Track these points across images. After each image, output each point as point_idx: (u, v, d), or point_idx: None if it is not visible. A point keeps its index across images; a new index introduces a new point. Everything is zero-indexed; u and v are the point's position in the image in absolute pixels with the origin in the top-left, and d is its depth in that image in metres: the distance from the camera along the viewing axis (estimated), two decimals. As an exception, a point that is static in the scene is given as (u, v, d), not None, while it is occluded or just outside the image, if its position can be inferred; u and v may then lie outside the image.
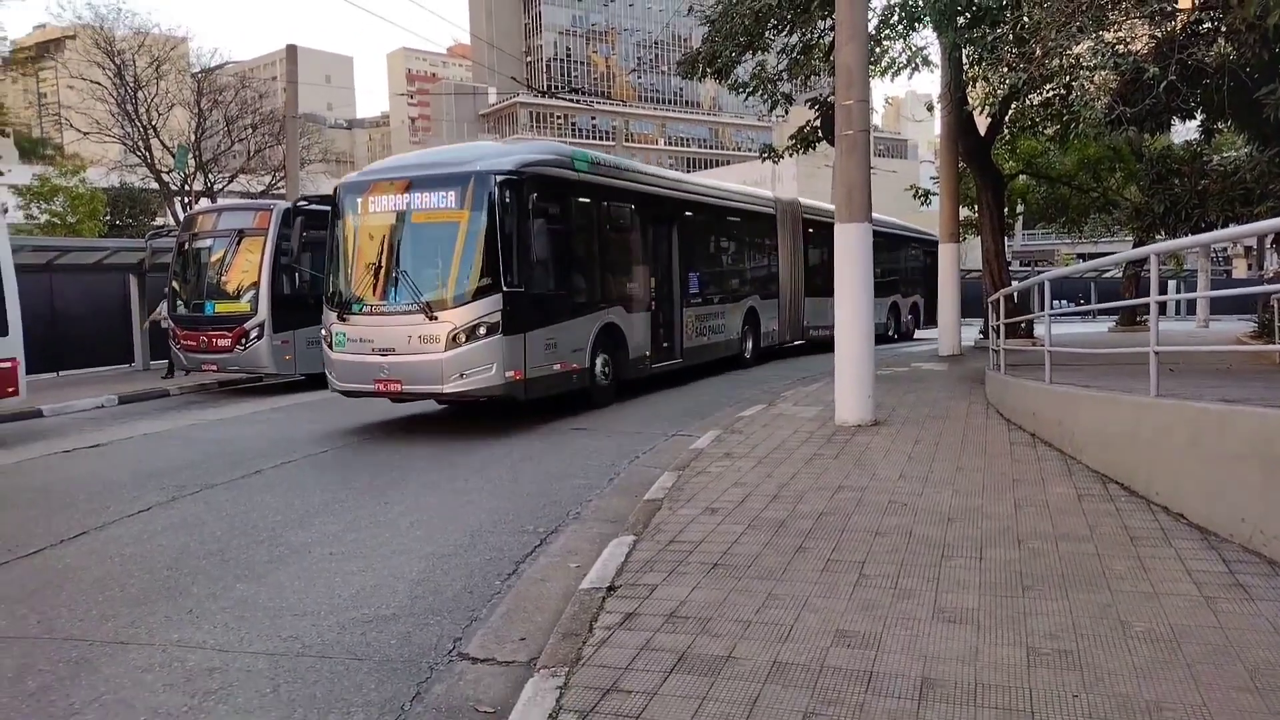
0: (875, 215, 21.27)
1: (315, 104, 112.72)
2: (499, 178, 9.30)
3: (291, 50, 21.09)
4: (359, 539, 5.73)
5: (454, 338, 9.17)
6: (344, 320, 9.80)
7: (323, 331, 10.21)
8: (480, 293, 9.23)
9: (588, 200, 11.23)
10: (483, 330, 9.19)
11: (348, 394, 10.09)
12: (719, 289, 15.14)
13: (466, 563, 5.19)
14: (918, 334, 24.54)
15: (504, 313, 9.25)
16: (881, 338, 20.94)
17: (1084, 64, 10.87)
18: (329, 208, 10.42)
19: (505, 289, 9.24)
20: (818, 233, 18.69)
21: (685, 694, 3.07)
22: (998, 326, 10.25)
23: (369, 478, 7.57)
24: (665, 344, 13.17)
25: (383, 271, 9.68)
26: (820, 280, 18.92)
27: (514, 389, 9.49)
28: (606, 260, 11.68)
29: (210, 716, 3.37)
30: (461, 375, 9.19)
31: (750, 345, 16.38)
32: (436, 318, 9.21)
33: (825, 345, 18.19)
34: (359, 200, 9.92)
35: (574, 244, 10.98)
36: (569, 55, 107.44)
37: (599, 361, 11.13)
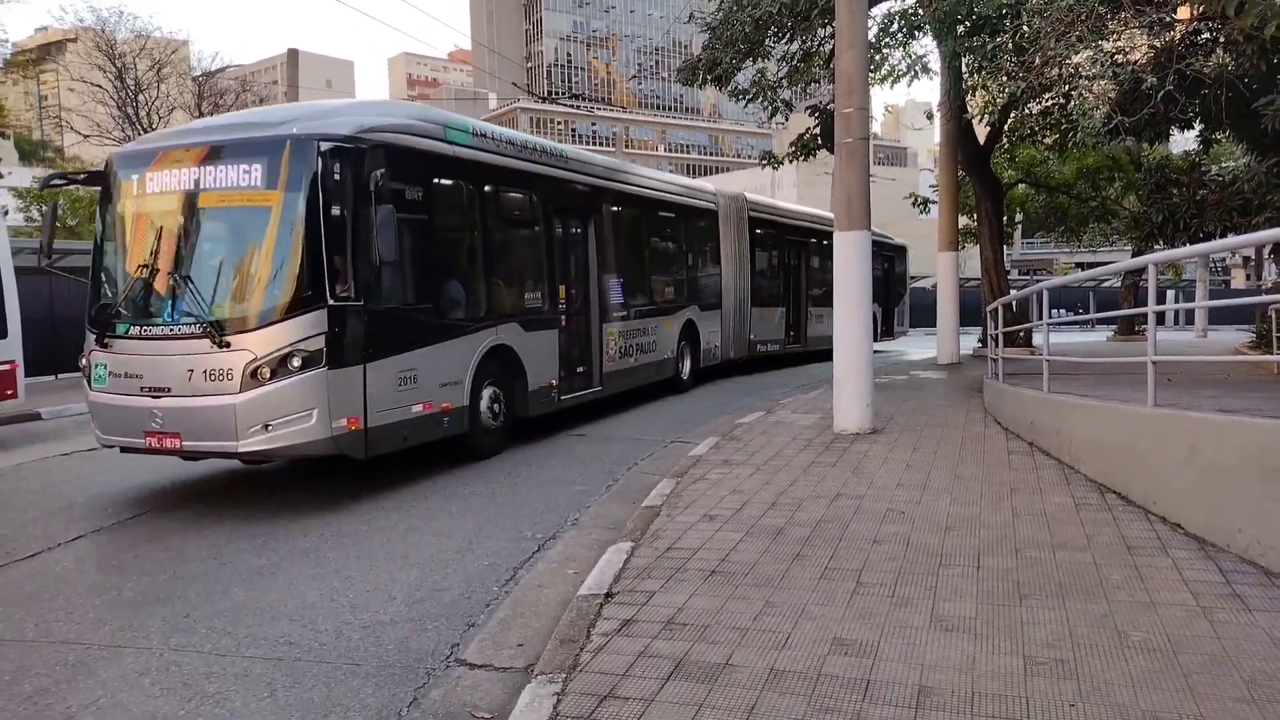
0: (823, 213, 17.92)
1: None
2: (326, 145, 6.55)
3: (293, 54, 21.16)
4: (366, 544, 5.73)
5: (254, 372, 6.36)
6: (104, 346, 6.97)
7: (81, 361, 7.37)
8: (295, 308, 6.43)
9: (469, 183, 8.41)
10: (297, 361, 6.39)
11: (119, 449, 7.19)
12: (649, 299, 12.59)
13: (464, 568, 5.19)
14: (876, 346, 24.45)
15: (330, 336, 6.48)
16: (830, 352, 20.96)
17: (1083, 73, 10.92)
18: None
19: (333, 302, 6.49)
20: (767, 234, 17.26)
21: (683, 701, 3.08)
22: (996, 335, 10.28)
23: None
24: (580, 369, 10.55)
25: (157, 277, 6.80)
26: (769, 288, 17.44)
27: (348, 443, 6.69)
28: (497, 263, 8.88)
29: (207, 721, 3.37)
30: (266, 427, 6.39)
31: (687, 366, 13.89)
32: (228, 343, 6.42)
33: (774, 362, 17.33)
34: (136, 176, 7.06)
35: (446, 241, 8.15)
36: (570, 61, 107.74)
37: (485, 397, 8.45)
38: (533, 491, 7.18)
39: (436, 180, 7.89)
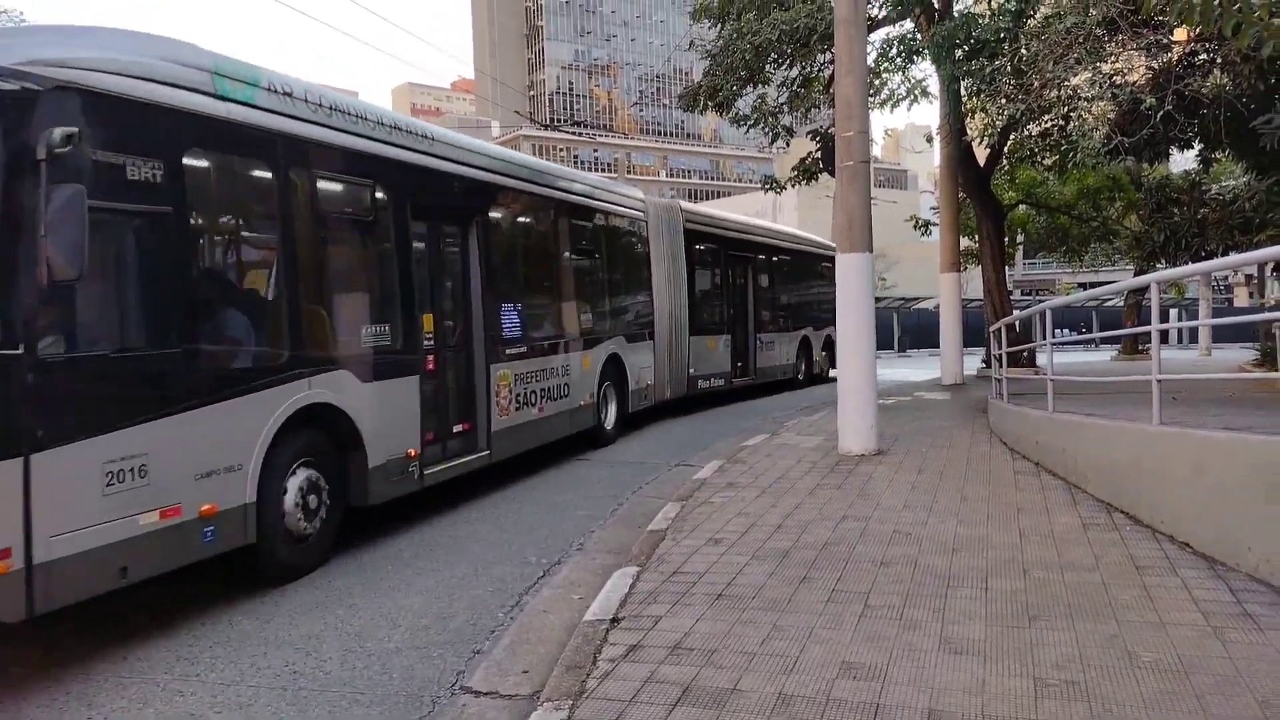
0: (779, 228, 17.66)
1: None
2: None
3: (297, 85, 21.35)
4: (371, 571, 5.70)
5: None
6: None
7: None
8: None
9: (261, 161, 5.63)
10: None
11: None
12: (558, 330, 9.90)
13: (469, 594, 5.17)
14: (830, 371, 19.08)
15: None
16: (786, 383, 17.90)
17: (1082, 95, 11.01)
18: None
19: None
20: (709, 250, 15.02)
21: (690, 727, 3.05)
22: (1000, 355, 10.27)
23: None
24: (459, 426, 7.76)
25: None
26: (713, 313, 15.19)
27: None
28: (311, 283, 6.01)
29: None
30: None
31: (611, 412, 11.13)
32: None
33: (719, 399, 15.08)
34: None
35: (212, 248, 5.47)
36: (571, 89, 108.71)
37: (292, 487, 5.58)
38: (537, 517, 7.16)
39: (197, 153, 5.07)
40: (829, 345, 18.75)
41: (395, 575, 5.60)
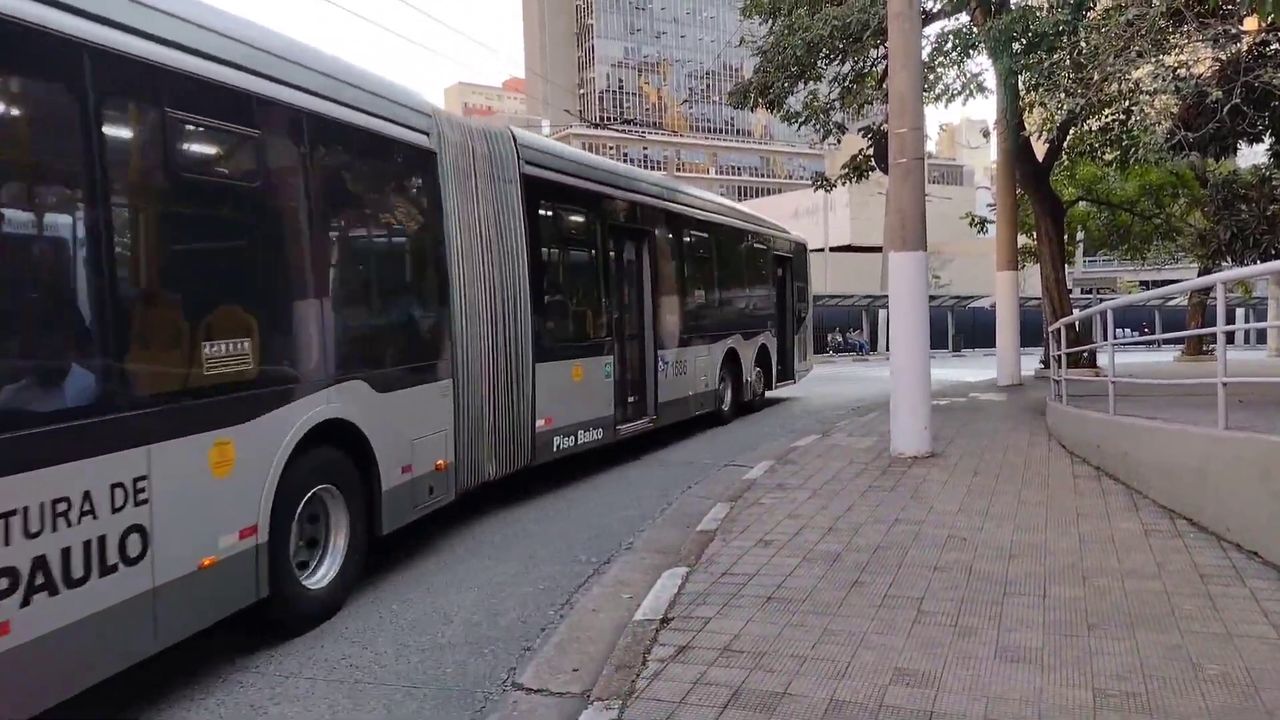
0: (697, 192, 12.50)
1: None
2: None
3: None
4: (421, 567, 5.79)
5: None
6: None
7: None
8: None
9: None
10: None
11: None
12: (181, 379, 3.94)
13: (519, 592, 5.22)
14: (774, 391, 15.17)
15: None
16: (704, 419, 12.02)
17: (1144, 88, 10.72)
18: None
19: None
20: (574, 219, 9.12)
21: (740, 730, 3.04)
22: (1059, 356, 10.05)
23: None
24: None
25: None
26: (578, 321, 9.07)
27: None
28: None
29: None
30: None
31: (330, 565, 5.01)
32: None
33: (592, 460, 9.14)
34: None
35: None
36: (621, 87, 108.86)
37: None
38: (586, 515, 7.19)
39: None
40: (764, 358, 14.26)
41: (447, 571, 5.67)
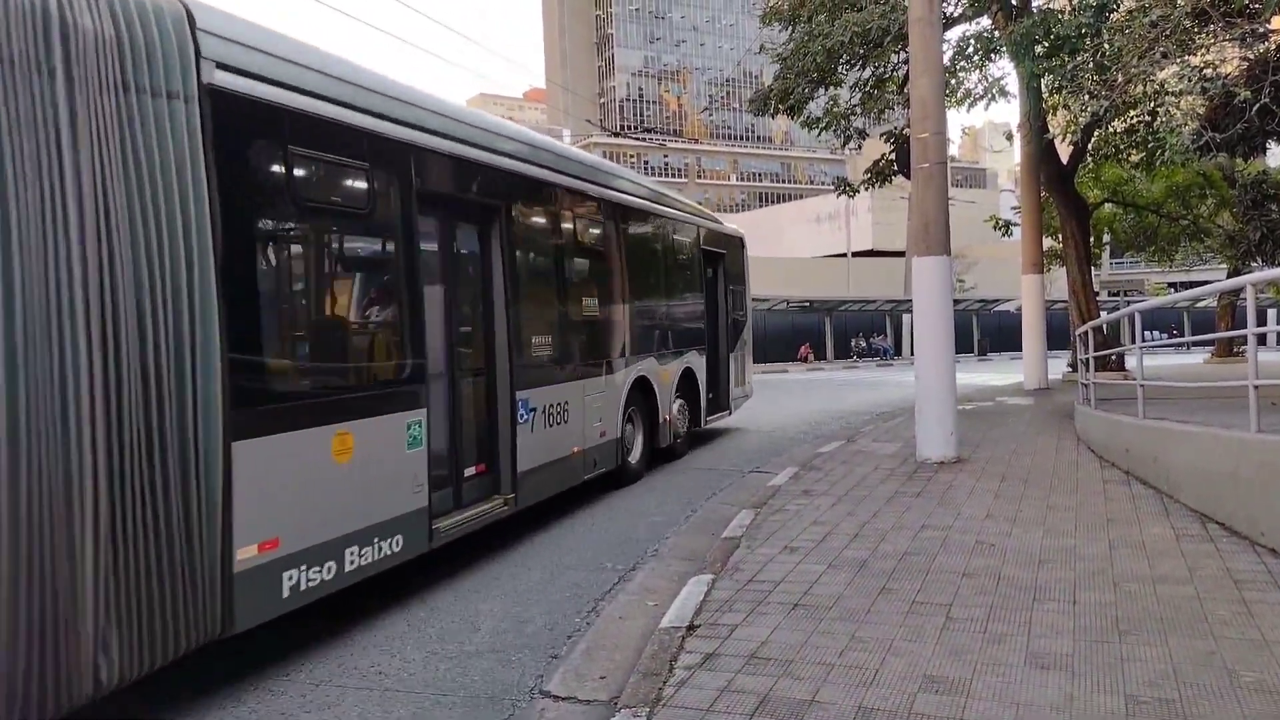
0: (594, 161, 8.74)
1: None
2: None
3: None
4: (449, 574, 5.82)
5: None
6: None
7: None
8: None
9: None
10: None
11: None
12: None
13: (546, 599, 5.24)
14: (708, 424, 11.45)
15: None
16: (594, 483, 8.11)
17: (1169, 89, 10.62)
18: None
19: None
20: (329, 173, 4.93)
21: (768, 737, 3.03)
22: (1086, 359, 9.96)
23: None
24: None
25: None
26: (351, 351, 5.18)
27: None
28: None
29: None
30: None
31: None
32: None
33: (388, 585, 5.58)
34: None
35: None
36: (641, 95, 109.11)
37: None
38: (611, 522, 7.20)
39: None
40: (690, 386, 10.61)
41: (473, 579, 5.70)
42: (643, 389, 9.18)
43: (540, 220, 7.45)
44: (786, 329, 35.56)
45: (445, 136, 5.83)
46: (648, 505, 7.89)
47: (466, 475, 6.13)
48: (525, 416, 6.64)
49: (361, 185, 5.08)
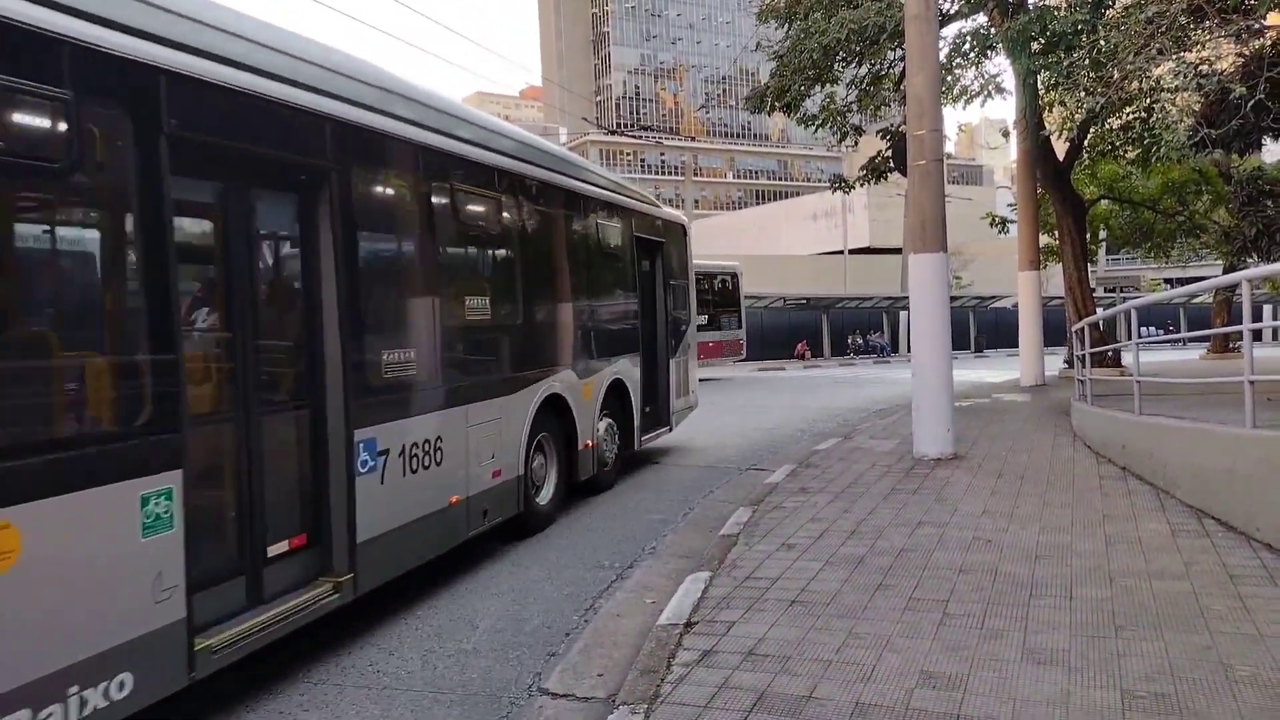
0: (485, 120, 6.76)
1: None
2: None
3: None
4: (448, 573, 5.83)
5: None
6: None
7: None
8: None
9: None
10: None
11: None
12: None
13: (544, 597, 5.24)
14: (644, 444, 9.49)
15: None
16: (496, 532, 6.41)
17: (1165, 86, 10.65)
18: None
19: None
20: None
21: (766, 734, 3.04)
22: (1082, 356, 9.97)
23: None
24: None
25: None
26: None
27: None
28: None
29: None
30: None
31: None
32: None
33: None
34: None
35: None
36: (638, 93, 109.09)
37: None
38: (608, 520, 7.21)
39: None
40: (619, 402, 8.76)
41: (472, 578, 5.70)
42: (557, 409, 7.22)
43: (397, 193, 5.43)
44: (783, 326, 35.56)
45: (224, 61, 3.89)
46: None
47: (273, 555, 4.23)
48: (370, 463, 4.76)
49: (57, 126, 3.17)
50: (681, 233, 10.88)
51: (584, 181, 8.12)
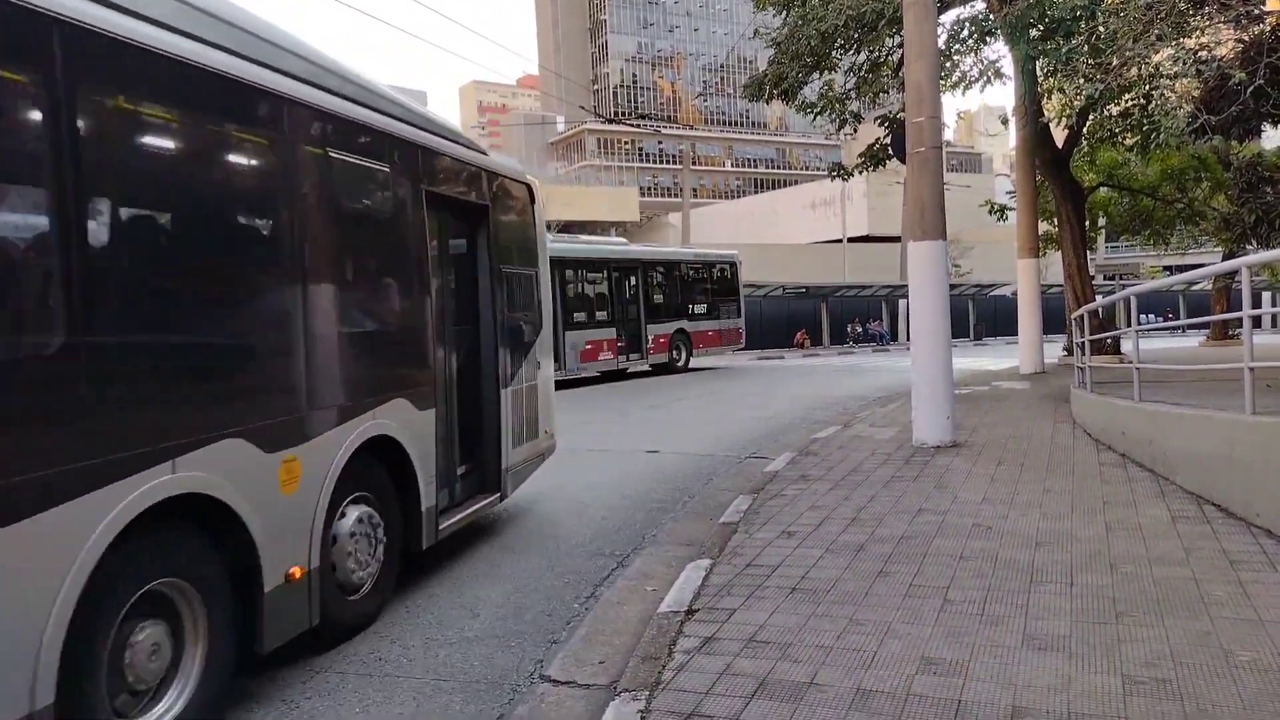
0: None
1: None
2: None
3: (368, 87, 21.75)
4: (448, 563, 5.83)
5: None
6: None
7: None
8: None
9: None
10: None
11: None
12: None
13: (544, 585, 5.25)
14: (451, 525, 5.66)
15: None
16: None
17: (1164, 72, 10.61)
18: None
19: None
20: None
21: (767, 720, 3.05)
22: (1082, 343, 9.97)
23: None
24: None
25: None
26: None
27: None
28: None
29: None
30: None
31: None
32: None
33: None
34: None
35: None
36: (635, 81, 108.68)
37: None
38: (608, 508, 7.21)
39: None
40: (387, 473, 4.97)
41: (472, 566, 5.71)
42: (202, 533, 3.56)
43: None
44: (782, 315, 35.57)
45: None
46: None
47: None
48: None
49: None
50: (526, 198, 7.20)
51: (286, 74, 4.22)
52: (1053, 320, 19.95)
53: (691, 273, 24.41)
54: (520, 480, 6.84)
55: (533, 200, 7.40)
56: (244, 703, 3.79)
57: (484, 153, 6.64)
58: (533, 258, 7.33)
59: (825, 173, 18.85)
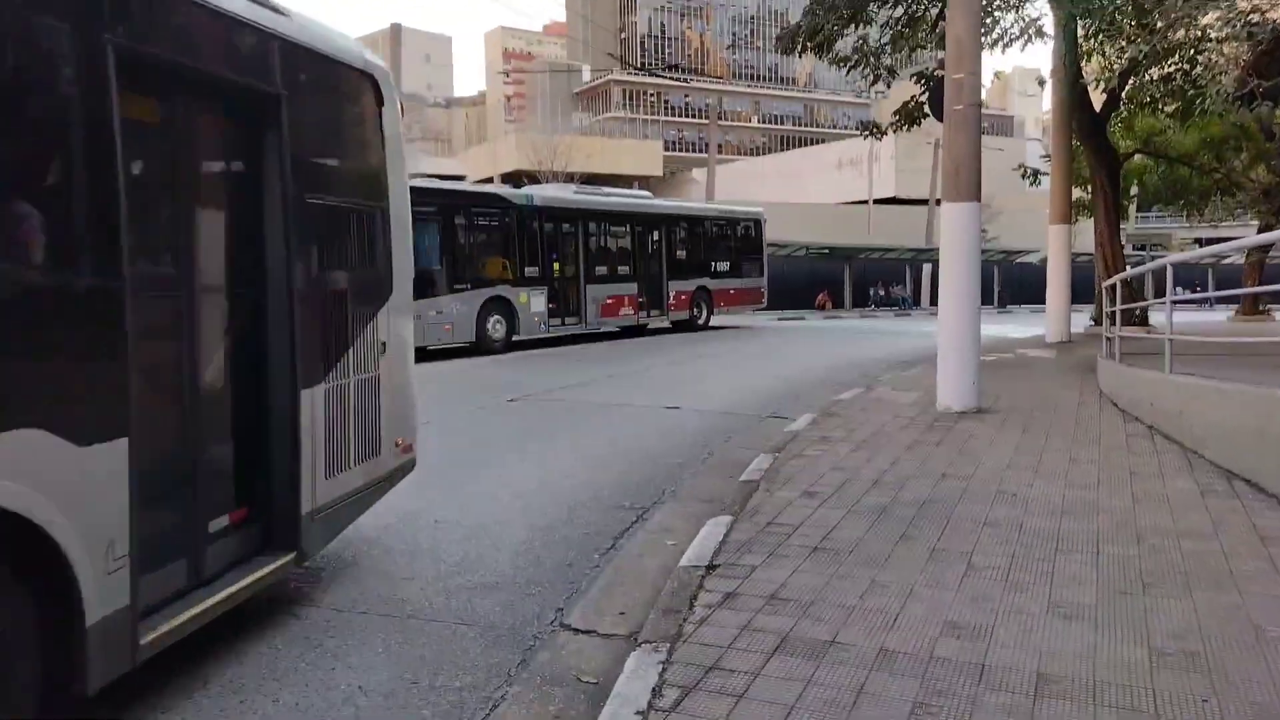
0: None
1: (416, 83, 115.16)
2: None
3: (396, 30, 21.61)
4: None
5: None
6: None
7: None
8: None
9: None
10: None
11: None
12: None
13: (565, 536, 5.26)
14: (163, 639, 3.15)
15: None
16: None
17: (1212, 35, 10.29)
18: None
19: None
20: None
21: (789, 676, 3.04)
22: (1111, 313, 9.82)
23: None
24: None
25: None
26: None
27: None
28: None
29: (328, 674, 3.50)
30: None
31: None
32: None
33: None
34: None
35: None
36: (663, 32, 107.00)
37: None
38: (628, 463, 7.21)
39: None
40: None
41: (491, 514, 5.73)
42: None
43: None
44: (805, 276, 35.25)
45: None
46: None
47: None
48: None
49: None
50: (363, 95, 4.70)
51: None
52: (1080, 289, 19.67)
53: (715, 229, 24.05)
54: (346, 522, 4.52)
55: (380, 101, 4.78)
56: (267, 637, 3.82)
57: (281, 12, 3.96)
58: (376, 187, 4.77)
59: (853, 132, 18.53)
